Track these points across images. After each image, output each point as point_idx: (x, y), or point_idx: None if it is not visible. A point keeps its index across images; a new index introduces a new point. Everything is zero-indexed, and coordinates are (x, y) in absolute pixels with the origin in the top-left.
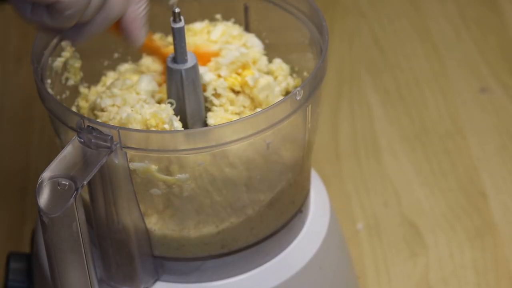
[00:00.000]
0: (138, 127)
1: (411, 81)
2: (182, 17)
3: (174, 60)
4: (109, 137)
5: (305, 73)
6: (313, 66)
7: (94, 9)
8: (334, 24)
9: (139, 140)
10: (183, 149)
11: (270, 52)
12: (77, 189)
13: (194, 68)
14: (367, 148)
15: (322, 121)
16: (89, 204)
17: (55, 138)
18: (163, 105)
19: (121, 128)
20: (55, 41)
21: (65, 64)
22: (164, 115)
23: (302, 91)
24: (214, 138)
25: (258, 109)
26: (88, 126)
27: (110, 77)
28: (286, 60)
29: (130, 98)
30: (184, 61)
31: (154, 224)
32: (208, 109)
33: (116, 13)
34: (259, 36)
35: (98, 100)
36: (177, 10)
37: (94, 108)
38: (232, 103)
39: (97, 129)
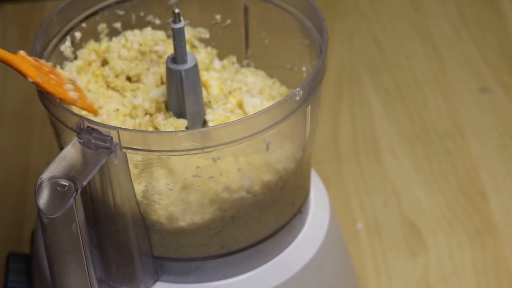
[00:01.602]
0: None
1: (411, 81)
2: (182, 18)
3: (174, 60)
4: (109, 138)
5: (304, 74)
6: (312, 66)
7: None
8: (334, 24)
9: (138, 140)
10: (183, 149)
11: (270, 52)
12: (76, 190)
13: (194, 68)
14: (367, 148)
15: (322, 121)
16: (89, 204)
17: (55, 138)
18: None
19: (121, 128)
20: (54, 41)
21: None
22: None
23: (301, 91)
24: (214, 138)
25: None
26: (88, 126)
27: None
28: (285, 60)
29: None
30: (184, 61)
31: (153, 225)
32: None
33: None
34: (258, 36)
35: None
36: (176, 10)
37: None
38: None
39: (97, 129)
